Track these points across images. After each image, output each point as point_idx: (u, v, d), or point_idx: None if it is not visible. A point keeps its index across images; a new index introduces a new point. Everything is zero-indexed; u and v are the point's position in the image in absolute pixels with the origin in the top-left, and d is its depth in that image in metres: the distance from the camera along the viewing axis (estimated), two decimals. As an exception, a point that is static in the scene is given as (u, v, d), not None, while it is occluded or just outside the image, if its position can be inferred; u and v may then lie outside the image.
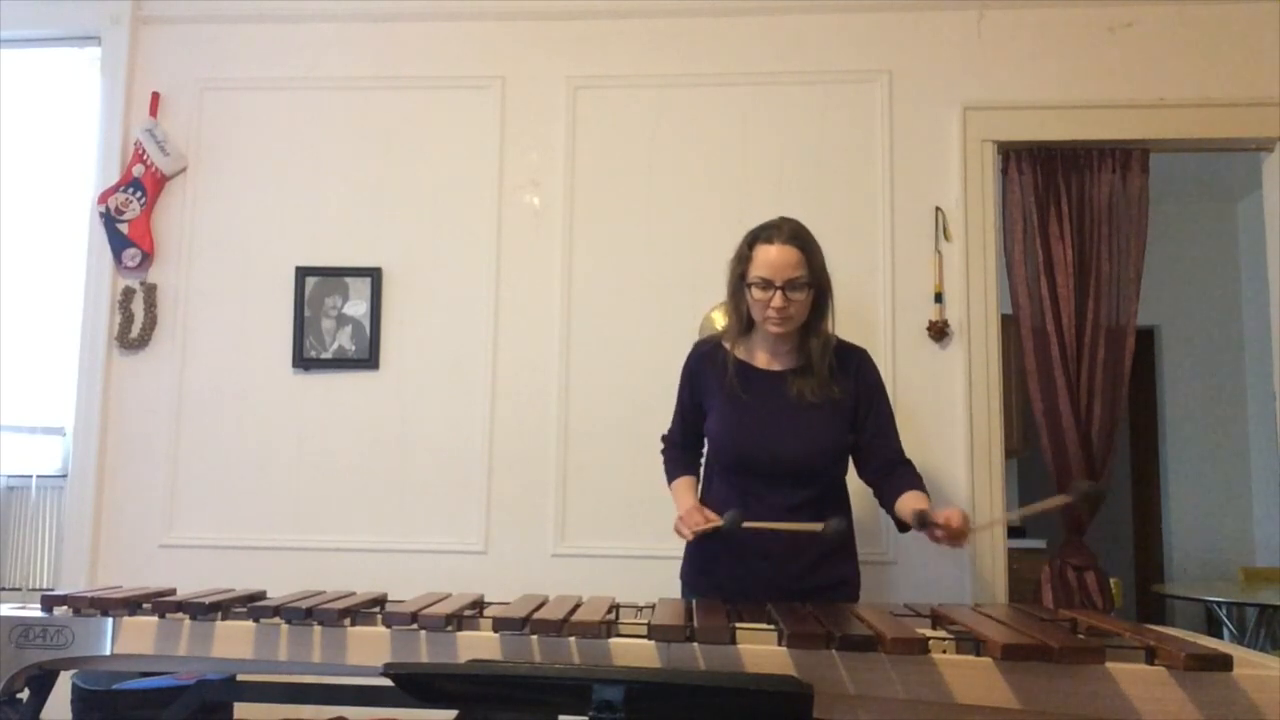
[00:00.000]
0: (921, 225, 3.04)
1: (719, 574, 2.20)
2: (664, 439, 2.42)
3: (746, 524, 2.05)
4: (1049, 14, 3.08)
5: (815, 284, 2.15)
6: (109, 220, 3.20)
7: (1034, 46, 3.08)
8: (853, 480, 2.31)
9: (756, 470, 2.17)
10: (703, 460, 2.37)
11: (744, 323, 2.24)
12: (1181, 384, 5.62)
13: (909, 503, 2.12)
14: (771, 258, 2.12)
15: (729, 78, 3.14)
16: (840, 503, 2.27)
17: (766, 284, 2.12)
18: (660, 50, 3.18)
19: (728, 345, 2.27)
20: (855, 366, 2.25)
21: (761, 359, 2.24)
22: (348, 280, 3.16)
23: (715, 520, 2.08)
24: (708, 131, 3.13)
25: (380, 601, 1.99)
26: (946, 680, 1.53)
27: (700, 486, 2.33)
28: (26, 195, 3.40)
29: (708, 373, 2.27)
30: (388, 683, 1.51)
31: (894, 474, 2.22)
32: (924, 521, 2.02)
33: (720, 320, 2.86)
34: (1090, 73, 3.06)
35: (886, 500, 2.22)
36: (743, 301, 2.20)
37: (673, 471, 2.36)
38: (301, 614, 1.78)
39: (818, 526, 2.02)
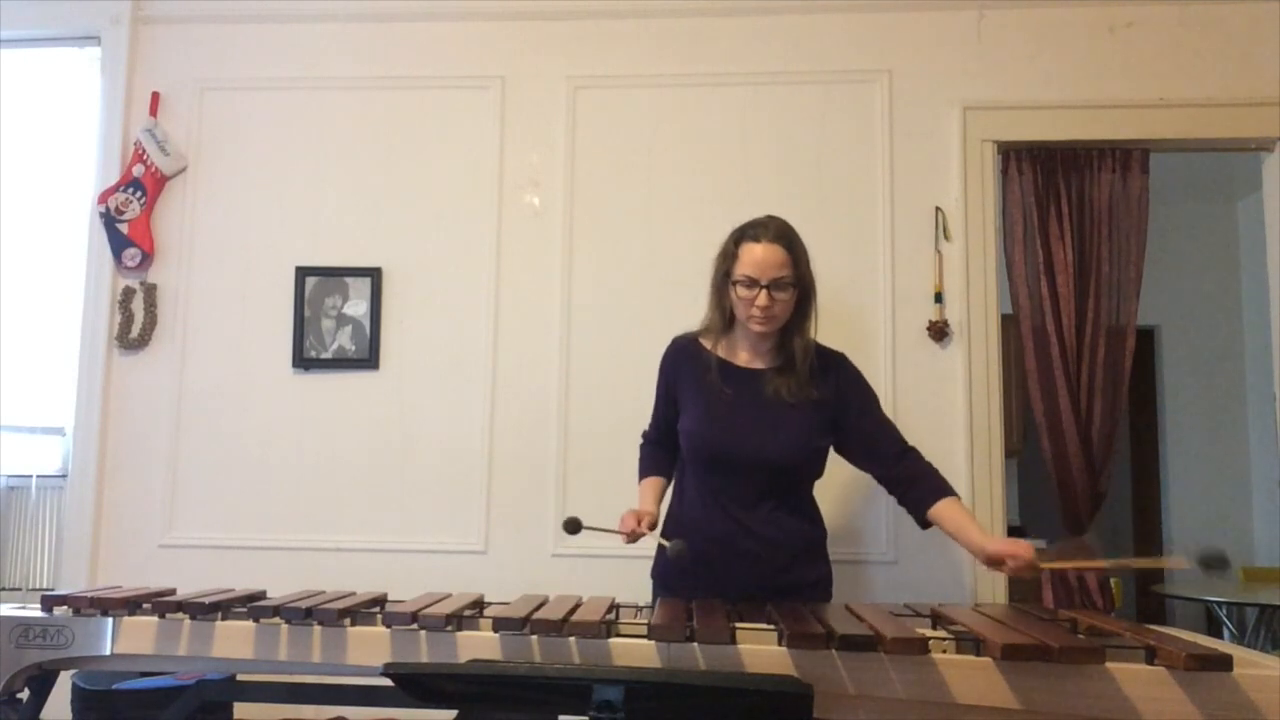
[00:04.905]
0: (921, 225, 3.04)
1: (691, 573, 2.14)
2: (644, 435, 2.40)
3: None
4: (1049, 14, 3.08)
5: (800, 284, 2.13)
6: (109, 220, 3.20)
7: (1034, 46, 3.08)
8: (835, 482, 2.28)
9: (729, 467, 2.15)
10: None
11: (726, 320, 2.22)
12: (1181, 384, 5.62)
13: (958, 526, 2.06)
14: (758, 256, 2.09)
15: (729, 78, 3.14)
16: (809, 505, 2.25)
17: (752, 283, 2.09)
18: (660, 50, 3.18)
19: (707, 343, 2.25)
20: (835, 371, 2.22)
21: (743, 357, 2.22)
22: (348, 280, 3.16)
23: (648, 521, 2.09)
24: (708, 131, 3.13)
25: (380, 601, 1.99)
26: (946, 680, 1.53)
27: (674, 485, 2.30)
28: (26, 195, 3.40)
29: (685, 368, 2.25)
30: (388, 683, 1.51)
31: (917, 479, 2.16)
32: (992, 562, 1.98)
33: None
34: (1090, 73, 3.05)
35: (916, 508, 2.15)
36: (725, 298, 2.18)
37: (642, 470, 2.34)
38: (301, 614, 1.79)
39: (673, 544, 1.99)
